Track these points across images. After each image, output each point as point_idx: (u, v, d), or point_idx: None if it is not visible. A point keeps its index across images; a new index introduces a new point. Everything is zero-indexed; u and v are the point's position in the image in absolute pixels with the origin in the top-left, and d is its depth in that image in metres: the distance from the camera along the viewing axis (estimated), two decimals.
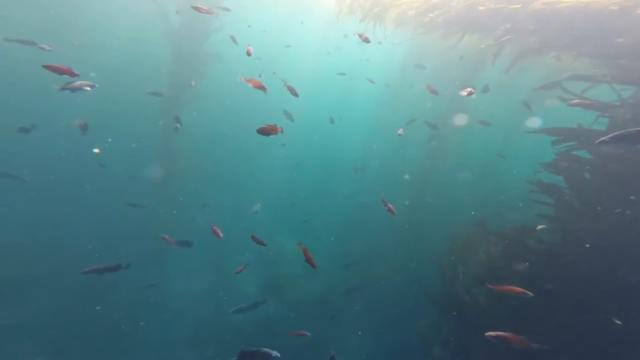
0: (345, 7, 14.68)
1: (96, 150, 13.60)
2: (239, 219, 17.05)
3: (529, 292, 4.82)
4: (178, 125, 12.14)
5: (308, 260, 4.68)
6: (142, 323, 12.14)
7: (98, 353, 11.06)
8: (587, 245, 6.29)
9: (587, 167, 7.12)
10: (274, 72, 11.96)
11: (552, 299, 6.44)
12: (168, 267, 15.09)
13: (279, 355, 4.75)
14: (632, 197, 6.06)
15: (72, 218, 16.54)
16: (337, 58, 23.69)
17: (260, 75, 6.16)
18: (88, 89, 5.50)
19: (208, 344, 12.35)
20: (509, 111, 18.35)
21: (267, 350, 4.76)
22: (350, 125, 27.41)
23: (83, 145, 14.19)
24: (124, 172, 16.36)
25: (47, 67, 5.02)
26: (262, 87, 5.61)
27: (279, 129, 5.00)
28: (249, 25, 16.59)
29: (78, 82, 5.49)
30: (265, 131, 4.95)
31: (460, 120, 16.57)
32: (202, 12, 6.91)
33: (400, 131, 8.01)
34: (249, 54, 7.01)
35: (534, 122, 12.93)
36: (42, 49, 8.58)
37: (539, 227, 7.43)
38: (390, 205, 6.46)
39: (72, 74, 5.22)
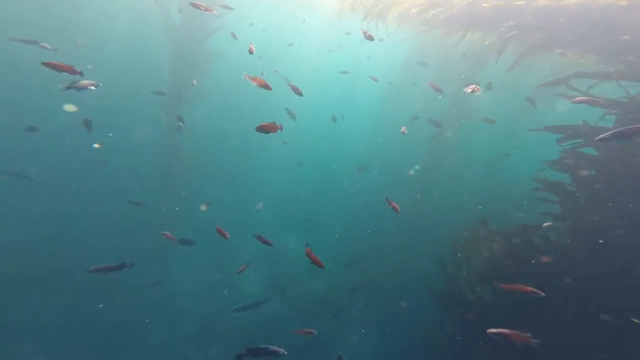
0: (347, 5, 14.58)
1: (96, 145, 13.57)
2: (242, 217, 17.07)
3: (540, 292, 4.70)
4: (181, 124, 12.16)
5: (314, 262, 4.65)
6: (147, 320, 12.15)
7: (99, 352, 11.01)
8: (601, 241, 6.21)
9: (595, 164, 7.04)
10: (275, 70, 11.91)
11: (560, 297, 6.39)
12: (171, 265, 15.13)
13: (286, 353, 4.73)
14: None
15: (75, 216, 16.56)
16: (339, 56, 23.60)
17: (262, 74, 6.11)
18: (93, 88, 5.45)
19: (212, 342, 12.37)
20: (513, 108, 18.23)
21: (275, 347, 4.74)
22: (353, 123, 27.28)
23: (87, 143, 14.19)
24: (127, 170, 16.37)
25: (46, 65, 4.89)
26: (266, 86, 5.58)
27: (279, 127, 4.99)
28: (251, 24, 16.56)
29: (83, 82, 5.44)
30: (264, 129, 4.95)
31: (464, 117, 16.48)
32: (201, 9, 6.69)
33: (403, 129, 7.97)
34: (251, 52, 6.96)
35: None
36: (43, 47, 8.59)
37: (545, 224, 7.37)
38: (394, 204, 6.43)
39: (72, 72, 5.11)
